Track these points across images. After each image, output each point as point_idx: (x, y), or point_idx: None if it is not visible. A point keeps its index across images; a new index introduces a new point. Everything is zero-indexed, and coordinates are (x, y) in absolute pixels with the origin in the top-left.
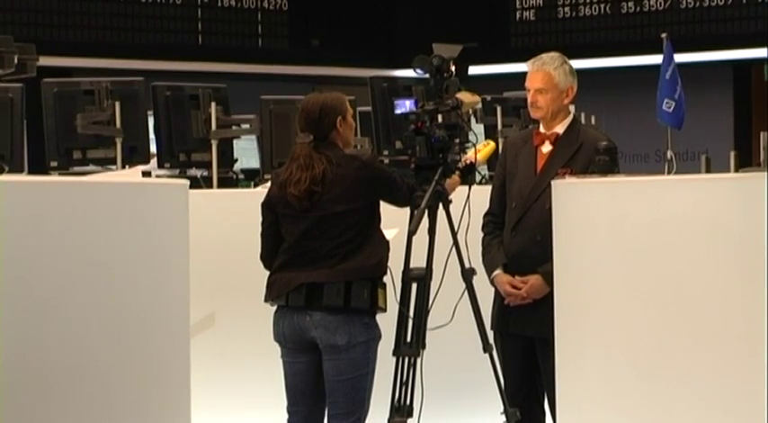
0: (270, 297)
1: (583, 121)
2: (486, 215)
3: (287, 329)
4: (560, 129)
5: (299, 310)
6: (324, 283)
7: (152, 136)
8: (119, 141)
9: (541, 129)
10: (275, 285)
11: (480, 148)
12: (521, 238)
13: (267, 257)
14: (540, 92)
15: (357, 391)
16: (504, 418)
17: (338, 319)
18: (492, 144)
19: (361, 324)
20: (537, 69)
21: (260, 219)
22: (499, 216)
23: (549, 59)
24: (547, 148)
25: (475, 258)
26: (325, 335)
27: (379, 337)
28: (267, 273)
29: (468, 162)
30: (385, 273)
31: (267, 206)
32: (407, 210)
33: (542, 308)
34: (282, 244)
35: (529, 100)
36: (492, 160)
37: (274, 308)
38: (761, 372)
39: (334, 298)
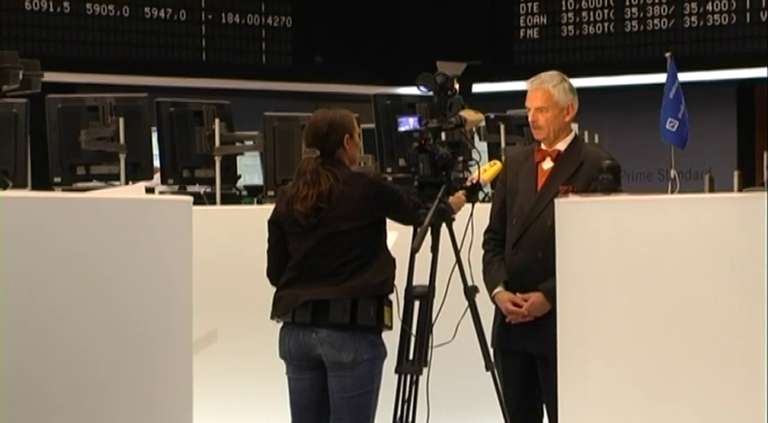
0: (276, 314)
1: (586, 139)
2: (486, 232)
3: (293, 346)
4: (562, 146)
5: (305, 327)
6: (330, 301)
7: (156, 152)
8: (122, 157)
9: (543, 146)
10: (281, 302)
11: (487, 168)
12: (522, 255)
13: (273, 274)
14: (541, 110)
15: (361, 409)
16: None
17: (344, 336)
18: (498, 164)
19: (366, 341)
20: (536, 88)
21: (263, 235)
22: (500, 232)
23: (548, 78)
24: (548, 164)
25: (477, 276)
26: (330, 352)
27: (385, 354)
28: (270, 289)
29: (473, 181)
30: (391, 291)
31: (274, 223)
32: None
33: (543, 325)
34: (289, 261)
35: (530, 119)
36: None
37: (277, 324)
38: (761, 389)
39: (340, 315)
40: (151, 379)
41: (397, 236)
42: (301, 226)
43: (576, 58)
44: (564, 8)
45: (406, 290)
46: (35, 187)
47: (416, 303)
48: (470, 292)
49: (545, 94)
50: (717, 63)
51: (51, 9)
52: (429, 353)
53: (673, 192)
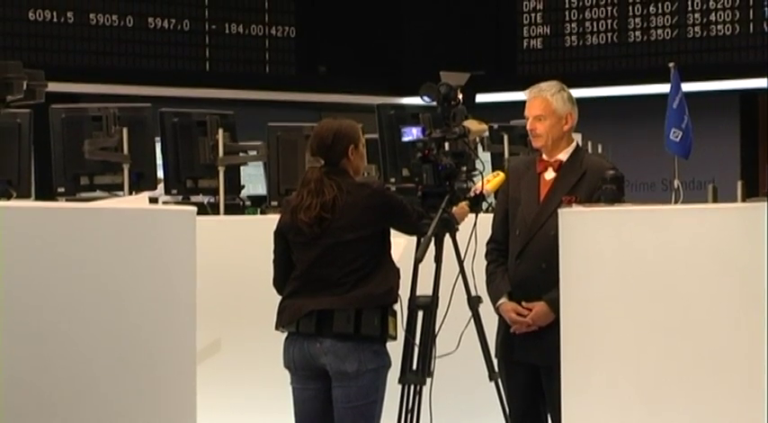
0: (280, 324)
1: (590, 149)
2: (489, 242)
3: (297, 356)
4: (563, 156)
5: (310, 337)
6: (334, 311)
7: (159, 162)
8: (126, 167)
9: (544, 156)
10: (286, 312)
11: (490, 179)
12: (525, 266)
13: (280, 284)
14: (539, 119)
15: (366, 419)
16: None
17: (348, 346)
18: (501, 175)
19: (371, 351)
20: (534, 96)
21: (267, 245)
22: (502, 243)
23: (547, 87)
24: (550, 175)
25: (481, 286)
26: (335, 362)
27: (389, 364)
28: (274, 299)
29: (477, 192)
30: (396, 301)
31: (279, 234)
32: None
33: (546, 336)
34: (293, 271)
35: (528, 128)
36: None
37: (281, 334)
38: (762, 398)
39: (344, 325)
40: (154, 388)
41: (404, 244)
42: (305, 236)
43: (579, 69)
44: (567, 18)
45: (410, 300)
46: (39, 197)
47: (420, 313)
48: (474, 302)
49: (543, 102)
50: (720, 73)
51: (55, 19)
52: (432, 363)
53: (676, 202)
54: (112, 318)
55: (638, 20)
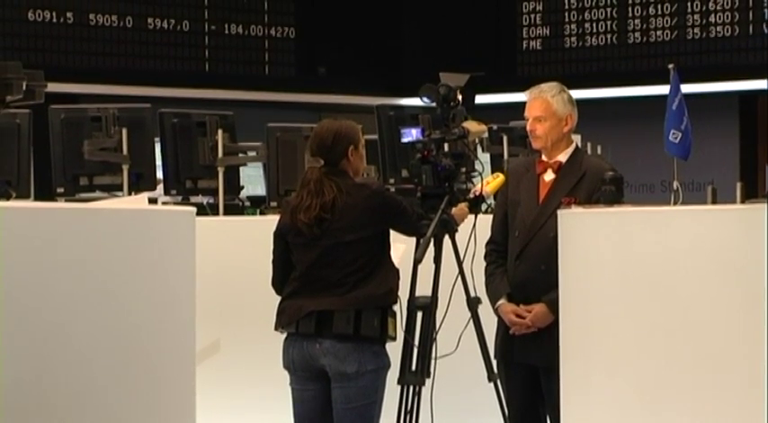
0: (280, 324)
1: (589, 150)
2: (488, 244)
3: (296, 357)
4: (563, 157)
5: (309, 338)
6: (334, 311)
7: (159, 163)
8: (125, 168)
9: (543, 157)
10: (285, 313)
11: (489, 180)
12: (525, 267)
13: (279, 285)
14: (539, 120)
15: (365, 420)
16: None
17: (348, 346)
18: (501, 177)
19: (370, 352)
20: (535, 97)
21: (266, 246)
22: (502, 244)
23: (547, 88)
24: (549, 176)
25: (480, 287)
26: (334, 362)
27: (389, 365)
28: (273, 299)
29: (476, 194)
30: (395, 302)
31: (279, 235)
32: None
33: (546, 337)
34: (293, 272)
35: (528, 129)
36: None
37: (280, 334)
38: (762, 399)
39: (344, 326)
40: (154, 389)
41: (404, 249)
42: (305, 237)
43: (578, 70)
44: (567, 20)
45: (409, 300)
46: (38, 198)
47: (419, 314)
48: (473, 303)
49: (544, 103)
50: (719, 75)
51: (54, 20)
52: (432, 364)
53: (675, 203)
54: (112, 318)
55: (637, 21)
